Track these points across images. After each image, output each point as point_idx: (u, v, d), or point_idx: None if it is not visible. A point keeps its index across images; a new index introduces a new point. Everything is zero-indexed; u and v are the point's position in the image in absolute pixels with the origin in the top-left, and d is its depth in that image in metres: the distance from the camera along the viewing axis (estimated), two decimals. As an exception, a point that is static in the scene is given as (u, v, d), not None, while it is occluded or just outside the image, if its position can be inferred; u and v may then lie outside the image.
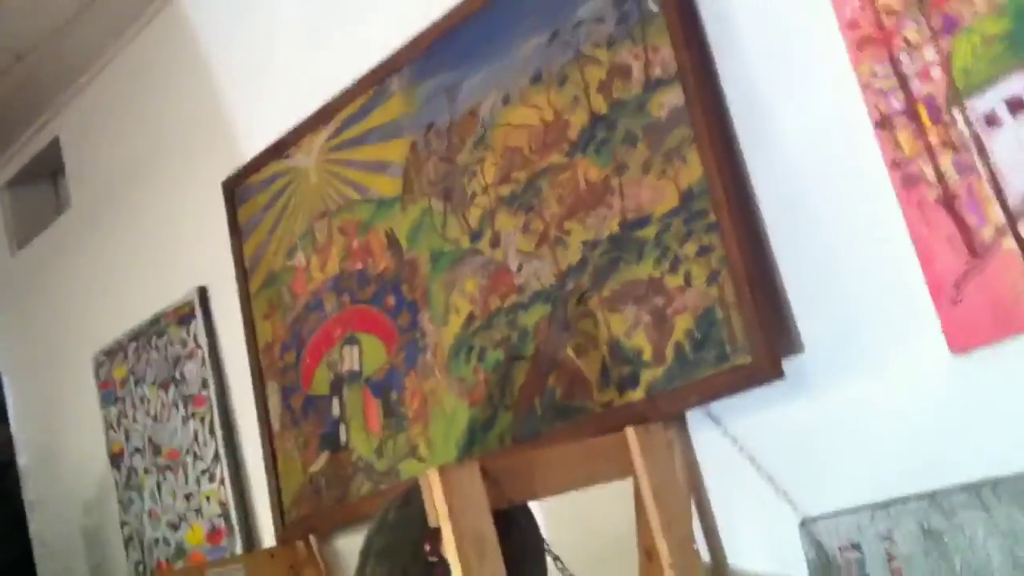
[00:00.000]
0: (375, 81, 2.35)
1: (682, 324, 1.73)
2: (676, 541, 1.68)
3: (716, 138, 1.71)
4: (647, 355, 1.77)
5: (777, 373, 1.60)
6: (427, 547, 1.52)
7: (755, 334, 1.62)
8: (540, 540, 1.61)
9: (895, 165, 1.52)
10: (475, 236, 2.09)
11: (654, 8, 1.80)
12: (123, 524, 3.17)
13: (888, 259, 1.55)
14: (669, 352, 1.74)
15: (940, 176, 1.48)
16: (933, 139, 1.49)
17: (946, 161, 1.48)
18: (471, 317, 2.09)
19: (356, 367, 2.35)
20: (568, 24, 1.94)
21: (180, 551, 2.92)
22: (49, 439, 3.65)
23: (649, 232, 1.79)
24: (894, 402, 1.56)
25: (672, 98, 1.77)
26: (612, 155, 1.86)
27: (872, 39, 1.55)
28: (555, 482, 1.61)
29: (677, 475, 1.74)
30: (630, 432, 1.70)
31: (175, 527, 2.95)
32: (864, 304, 1.58)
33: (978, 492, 1.44)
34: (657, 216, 1.78)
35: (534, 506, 1.64)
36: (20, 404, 3.82)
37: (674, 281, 1.74)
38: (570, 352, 1.90)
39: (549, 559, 1.62)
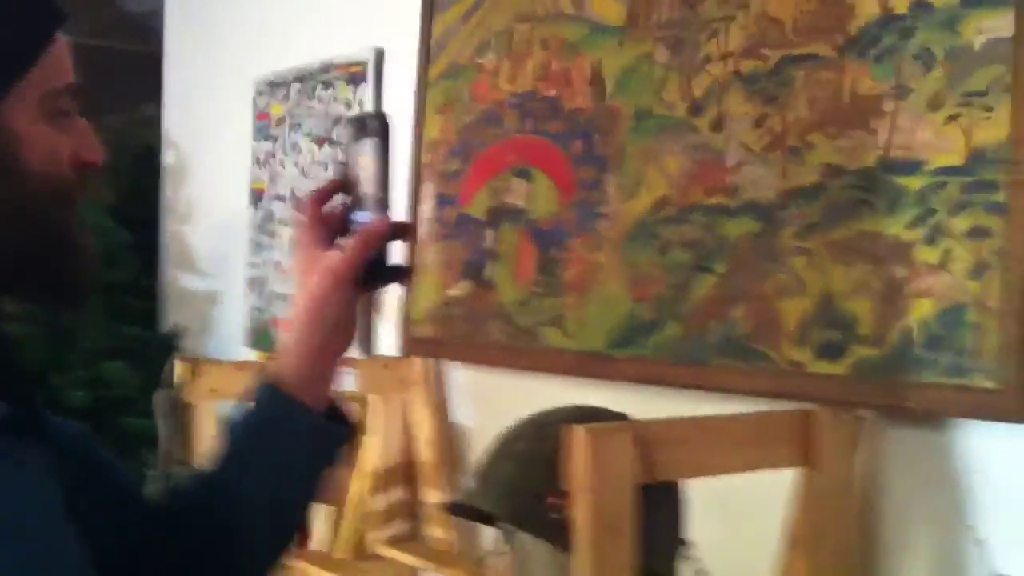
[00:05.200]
0: None
1: (920, 310, 1.40)
2: (830, 549, 1.44)
3: (1042, 97, 1.32)
4: (863, 328, 1.46)
5: (1025, 418, 1.28)
6: (550, 499, 1.30)
7: (1013, 360, 1.29)
8: (677, 519, 1.38)
9: None
10: (696, 108, 1.75)
11: (1013, -101, 1.37)
12: (251, 264, 3.05)
13: None
14: (892, 335, 1.42)
15: None
16: None
17: None
18: (663, 201, 1.78)
19: (522, 203, 2.08)
20: None
21: (298, 317, 2.78)
22: (197, 148, 3.51)
23: (914, 182, 1.43)
24: None
25: (997, 25, 1.36)
26: (895, 71, 1.47)
27: None
28: (715, 462, 1.35)
29: (857, 476, 1.47)
30: (818, 414, 1.42)
31: (299, 290, 2.80)
32: None
33: None
34: (931, 167, 1.41)
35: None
36: (175, 95, 3.67)
37: (927, 255, 1.40)
38: (769, 288, 1.59)
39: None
